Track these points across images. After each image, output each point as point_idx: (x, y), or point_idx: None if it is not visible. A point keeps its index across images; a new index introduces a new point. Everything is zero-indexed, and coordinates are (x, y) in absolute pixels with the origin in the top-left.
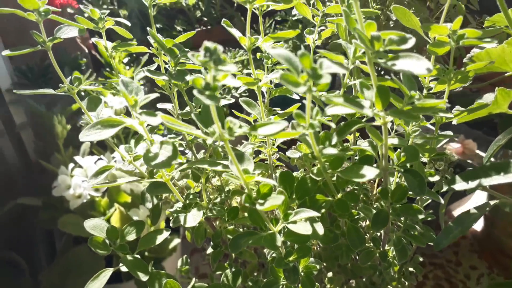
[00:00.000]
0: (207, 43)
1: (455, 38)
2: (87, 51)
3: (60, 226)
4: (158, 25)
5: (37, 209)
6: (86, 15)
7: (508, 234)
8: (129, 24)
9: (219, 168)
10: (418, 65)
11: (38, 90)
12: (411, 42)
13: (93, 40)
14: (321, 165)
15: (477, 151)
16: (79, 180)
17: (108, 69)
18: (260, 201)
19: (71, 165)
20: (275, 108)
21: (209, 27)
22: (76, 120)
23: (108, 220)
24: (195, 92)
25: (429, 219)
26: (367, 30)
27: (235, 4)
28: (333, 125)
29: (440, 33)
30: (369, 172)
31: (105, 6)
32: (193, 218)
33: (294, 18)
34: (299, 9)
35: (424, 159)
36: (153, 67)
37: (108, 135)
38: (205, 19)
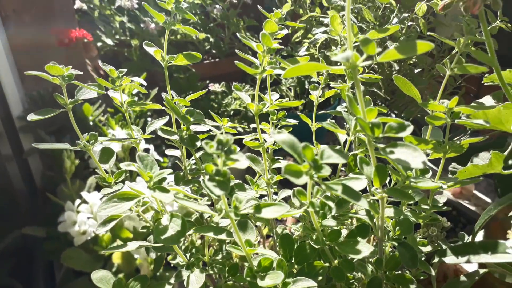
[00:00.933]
0: (220, 136)
1: (451, 115)
2: (95, 76)
3: (63, 260)
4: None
5: (40, 239)
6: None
7: None
8: (145, 83)
9: (223, 236)
10: (413, 158)
11: (56, 145)
12: (409, 129)
13: (109, 93)
14: (320, 237)
15: (475, 192)
16: (85, 217)
17: None
18: (261, 274)
19: (77, 201)
20: (278, 157)
21: (217, 59)
22: (85, 152)
23: (109, 256)
24: (205, 179)
25: (421, 278)
26: (368, 116)
27: None
28: (332, 204)
29: (437, 109)
30: (365, 249)
31: (117, 36)
32: (196, 280)
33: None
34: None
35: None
36: (165, 120)
37: (125, 208)
38: (214, 51)
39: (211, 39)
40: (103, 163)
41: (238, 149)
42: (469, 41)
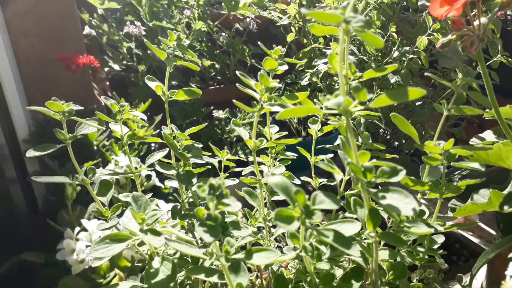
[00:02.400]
0: (212, 180)
1: (447, 157)
2: (103, 104)
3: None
4: (174, 82)
5: (39, 265)
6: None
7: None
8: (145, 117)
9: (215, 279)
10: (405, 204)
11: (54, 178)
12: (402, 174)
13: (110, 126)
14: (313, 280)
15: (478, 223)
16: (83, 245)
17: None
18: None
19: (77, 228)
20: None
21: (222, 85)
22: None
23: (107, 284)
24: (196, 224)
25: None
26: (361, 159)
27: (248, 64)
28: (325, 250)
29: (433, 151)
30: None
31: (125, 62)
32: None
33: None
34: (304, 102)
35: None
36: (165, 152)
37: (117, 251)
38: (219, 77)
39: (216, 66)
40: (101, 196)
41: (236, 181)
42: (465, 83)
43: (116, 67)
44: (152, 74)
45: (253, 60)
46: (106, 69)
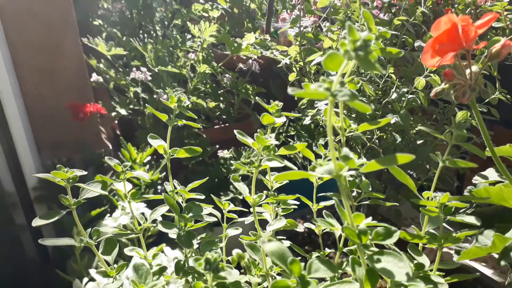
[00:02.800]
0: (208, 254)
1: (443, 209)
2: (110, 147)
3: None
4: (179, 124)
5: None
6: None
7: None
8: (147, 177)
9: None
10: (398, 269)
11: (60, 240)
12: (396, 236)
13: (114, 186)
14: None
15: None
16: None
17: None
18: None
19: (85, 279)
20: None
21: (227, 124)
22: (95, 225)
23: None
24: None
25: None
26: (356, 220)
27: (252, 103)
28: None
29: (429, 205)
30: None
31: (131, 106)
32: None
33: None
34: (304, 152)
35: None
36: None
37: None
38: (224, 117)
39: (221, 105)
40: (106, 255)
41: (240, 230)
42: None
43: (123, 111)
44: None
45: (257, 98)
46: (113, 114)
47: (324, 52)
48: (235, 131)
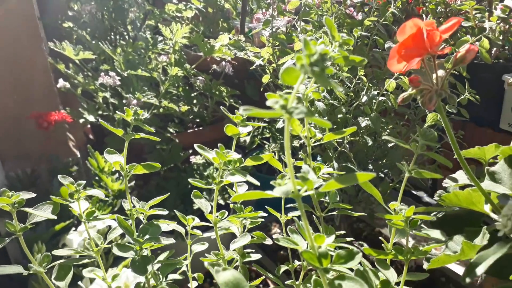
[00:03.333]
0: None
1: (409, 223)
2: (78, 155)
3: None
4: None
5: None
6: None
7: None
8: (103, 195)
9: None
10: None
11: (10, 267)
12: (358, 258)
13: (70, 204)
14: None
15: None
16: None
17: (97, 178)
18: None
19: None
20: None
21: (201, 127)
22: (59, 239)
23: None
24: None
25: None
26: (316, 241)
27: (227, 105)
28: None
29: (395, 219)
30: None
31: (100, 112)
32: None
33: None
34: (271, 162)
35: None
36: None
37: None
38: (198, 120)
39: (194, 109)
40: (59, 280)
41: (206, 245)
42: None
43: (91, 118)
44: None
45: (231, 100)
46: (81, 120)
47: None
48: (195, 145)
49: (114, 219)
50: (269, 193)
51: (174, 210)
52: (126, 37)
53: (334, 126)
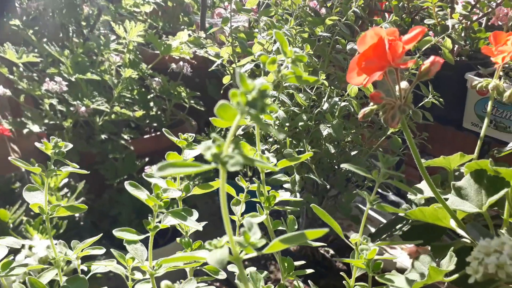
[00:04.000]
0: None
1: (371, 266)
2: (23, 169)
3: None
4: (103, 136)
5: None
6: None
7: None
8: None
9: None
10: None
11: None
12: None
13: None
14: None
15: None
16: None
17: None
18: None
19: None
20: None
21: (158, 132)
22: None
23: None
24: None
25: None
26: None
27: (187, 107)
28: None
29: (356, 263)
30: None
31: (46, 121)
32: None
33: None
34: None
35: None
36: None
37: None
38: (155, 124)
39: (151, 113)
40: None
41: None
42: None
43: (36, 128)
44: (79, 128)
45: (192, 102)
46: (25, 131)
47: (256, 59)
48: (144, 174)
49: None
50: (201, 255)
51: (111, 249)
52: (80, 36)
53: (297, 131)
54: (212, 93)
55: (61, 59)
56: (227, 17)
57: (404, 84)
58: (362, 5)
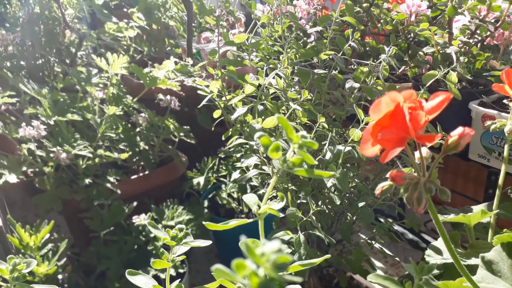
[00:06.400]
0: None
1: None
2: (1, 224)
3: None
4: (88, 180)
5: None
6: None
7: None
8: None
9: None
10: None
11: None
12: None
13: None
14: None
15: None
16: None
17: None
18: None
19: None
20: None
21: (146, 172)
22: None
23: None
24: None
25: None
26: None
27: (177, 140)
28: None
29: None
30: None
31: (25, 168)
32: None
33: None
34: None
35: None
36: None
37: None
38: (142, 163)
39: (138, 150)
40: None
41: None
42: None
43: (13, 178)
44: (62, 172)
45: (182, 134)
46: (1, 181)
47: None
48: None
49: None
50: None
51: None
52: (61, 65)
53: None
54: (202, 122)
55: (40, 98)
56: (214, 50)
57: (424, 150)
58: (359, 39)
